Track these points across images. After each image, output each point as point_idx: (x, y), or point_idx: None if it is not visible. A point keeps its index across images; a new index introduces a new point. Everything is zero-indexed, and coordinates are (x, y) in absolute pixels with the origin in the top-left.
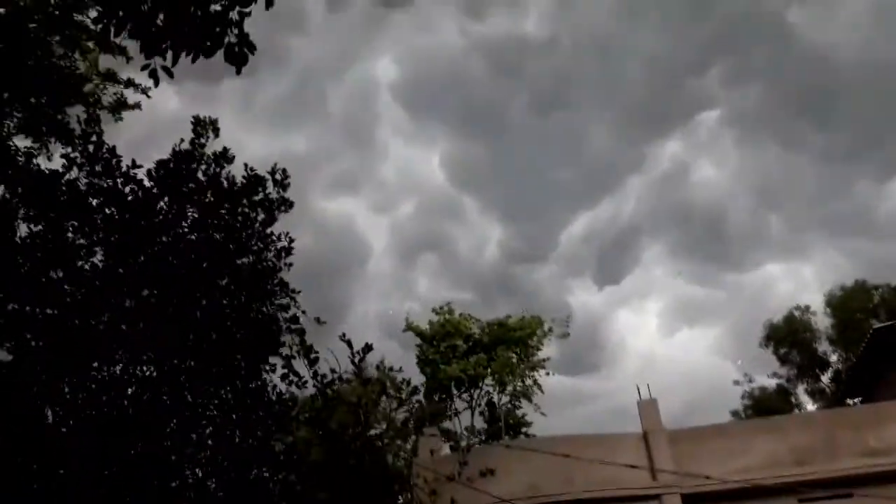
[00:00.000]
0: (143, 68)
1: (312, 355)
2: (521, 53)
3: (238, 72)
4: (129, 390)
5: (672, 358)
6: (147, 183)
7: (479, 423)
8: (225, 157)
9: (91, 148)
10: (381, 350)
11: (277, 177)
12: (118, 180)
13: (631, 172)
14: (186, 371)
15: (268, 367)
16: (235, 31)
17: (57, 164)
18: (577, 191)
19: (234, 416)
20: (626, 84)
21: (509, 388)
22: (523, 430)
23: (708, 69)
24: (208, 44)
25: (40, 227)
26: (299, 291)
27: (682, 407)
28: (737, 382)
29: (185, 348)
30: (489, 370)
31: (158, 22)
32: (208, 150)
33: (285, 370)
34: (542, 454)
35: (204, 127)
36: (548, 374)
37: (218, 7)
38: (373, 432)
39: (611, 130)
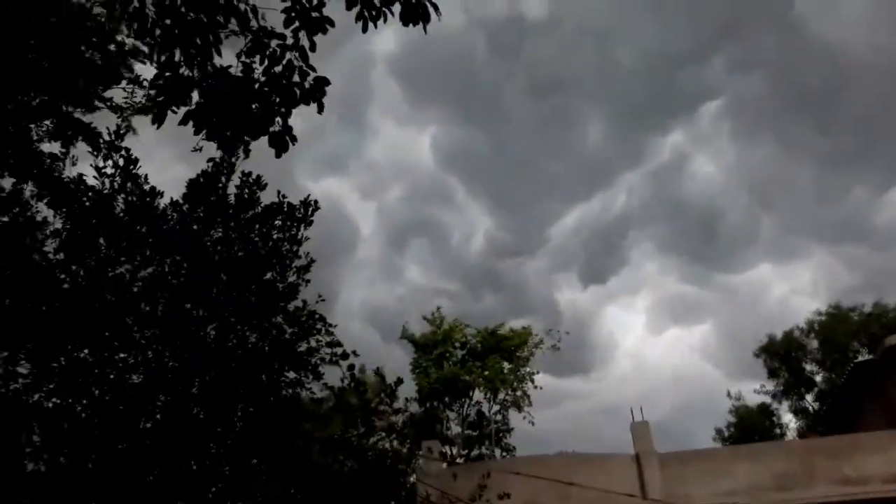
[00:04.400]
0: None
1: (360, 388)
2: (520, 34)
3: (278, 156)
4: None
5: (660, 357)
6: (177, 199)
7: (462, 430)
8: (258, 183)
9: (121, 161)
10: (365, 340)
11: (306, 211)
12: (146, 197)
13: (625, 166)
14: (207, 393)
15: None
16: (280, 121)
17: (83, 170)
18: (570, 184)
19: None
20: (625, 73)
21: (500, 396)
22: (504, 437)
23: (711, 58)
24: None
25: (68, 234)
26: (336, 325)
27: (670, 410)
28: (729, 395)
29: (203, 364)
30: (482, 379)
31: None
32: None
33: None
34: (539, 471)
35: (235, 150)
36: (536, 387)
37: (272, 99)
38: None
39: (608, 121)
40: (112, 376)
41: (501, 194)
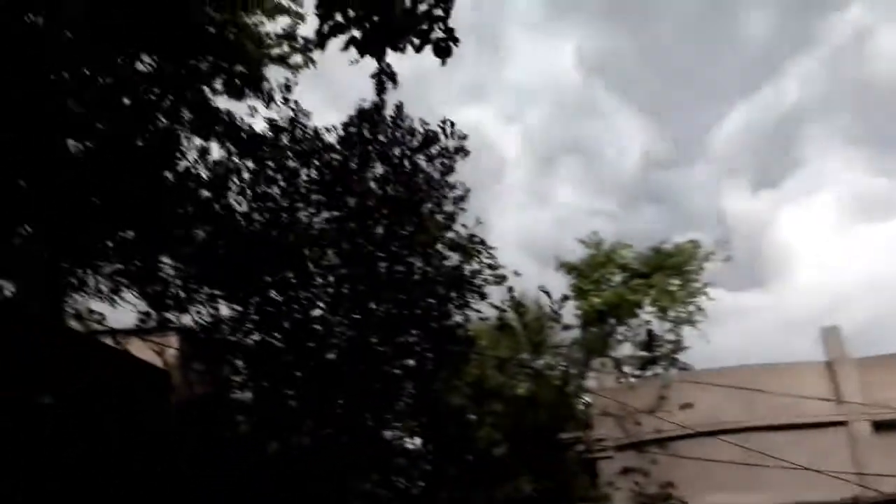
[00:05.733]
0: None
1: (521, 309)
2: None
3: (443, 63)
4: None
5: (848, 261)
6: (335, 143)
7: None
8: (401, 114)
9: (290, 112)
10: (520, 268)
11: (448, 130)
12: (314, 142)
13: (795, 52)
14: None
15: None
16: (441, 26)
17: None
18: (732, 81)
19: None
20: None
21: (671, 314)
22: (678, 355)
23: None
24: (417, 41)
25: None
26: (495, 248)
27: (864, 318)
28: None
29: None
30: (649, 297)
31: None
32: (389, 100)
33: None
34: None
35: (385, 78)
36: (710, 300)
37: (425, 6)
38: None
39: (773, 4)
40: (299, 313)
41: (655, 101)
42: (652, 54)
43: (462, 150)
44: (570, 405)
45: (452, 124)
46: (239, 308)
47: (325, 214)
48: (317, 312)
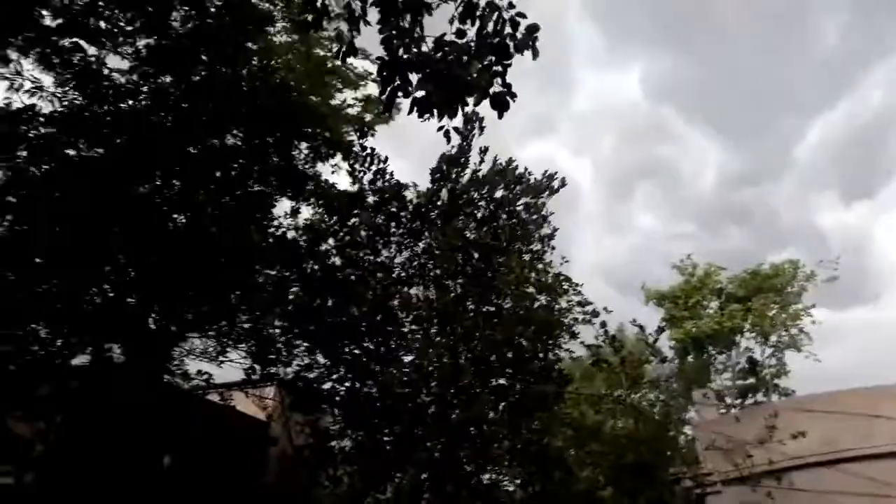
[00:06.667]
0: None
1: (615, 344)
2: None
3: (500, 116)
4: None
5: None
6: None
7: (733, 381)
8: (495, 164)
9: (371, 166)
10: (603, 298)
11: (554, 185)
12: (395, 192)
13: (875, 56)
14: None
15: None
16: (500, 81)
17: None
18: (809, 90)
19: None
20: None
21: (773, 338)
22: (779, 380)
23: None
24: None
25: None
26: (582, 284)
27: None
28: None
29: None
30: (747, 322)
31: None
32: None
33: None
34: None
35: (471, 123)
36: (814, 322)
37: (485, 62)
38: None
39: (845, 9)
40: (389, 362)
41: (728, 119)
42: (721, 73)
43: (552, 190)
44: (672, 440)
45: (552, 176)
46: (334, 358)
47: (407, 254)
48: (409, 357)
